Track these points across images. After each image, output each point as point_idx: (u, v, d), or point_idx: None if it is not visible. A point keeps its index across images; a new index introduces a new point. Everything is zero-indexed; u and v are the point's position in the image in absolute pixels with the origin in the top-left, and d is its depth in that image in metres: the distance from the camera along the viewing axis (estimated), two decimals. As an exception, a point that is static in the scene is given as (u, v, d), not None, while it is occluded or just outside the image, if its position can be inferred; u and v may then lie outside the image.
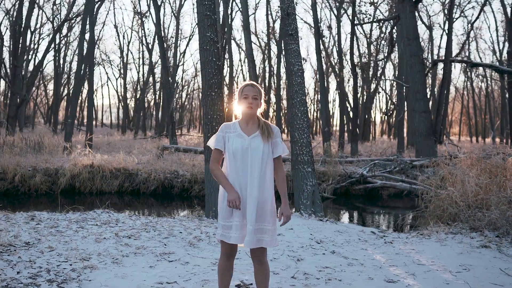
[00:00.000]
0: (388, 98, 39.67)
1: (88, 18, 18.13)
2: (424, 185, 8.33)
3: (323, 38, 28.35)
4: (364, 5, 20.34)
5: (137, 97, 40.19)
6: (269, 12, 37.27)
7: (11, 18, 29.38)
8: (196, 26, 18.92)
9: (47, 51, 26.33)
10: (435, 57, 34.20)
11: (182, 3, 32.09)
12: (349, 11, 28.05)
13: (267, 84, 34.28)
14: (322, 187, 12.46)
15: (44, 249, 4.57)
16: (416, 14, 20.89)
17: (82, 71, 18.41)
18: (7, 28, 33.00)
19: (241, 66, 43.42)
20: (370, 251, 5.31)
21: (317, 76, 38.22)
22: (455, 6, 29.05)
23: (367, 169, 13.08)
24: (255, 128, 3.07)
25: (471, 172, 7.12)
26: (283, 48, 8.99)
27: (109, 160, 12.68)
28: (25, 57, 33.34)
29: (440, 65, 32.64)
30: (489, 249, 5.25)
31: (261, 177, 2.97)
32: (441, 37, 35.77)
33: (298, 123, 7.95)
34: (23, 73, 30.68)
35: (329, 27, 29.06)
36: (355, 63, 22.32)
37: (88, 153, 12.75)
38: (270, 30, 32.82)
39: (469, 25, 25.71)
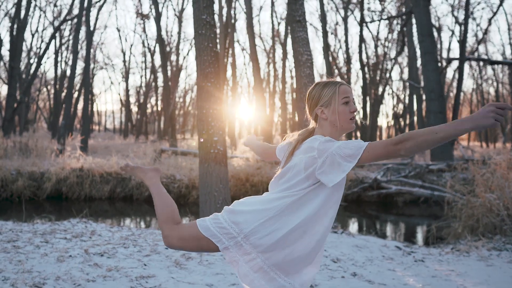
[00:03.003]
0: (397, 100, 38.63)
1: (84, 15, 17.27)
2: (451, 192, 7.30)
3: (330, 35, 27.49)
4: (374, 2, 19.35)
5: (140, 101, 39.36)
6: (273, 14, 36.50)
7: (10, 19, 28.61)
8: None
9: (46, 50, 25.48)
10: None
11: (185, 6, 31.30)
12: (356, 13, 27.27)
13: (271, 88, 33.28)
14: (332, 193, 11.43)
15: (-12, 272, 3.59)
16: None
17: (78, 73, 17.53)
18: (7, 30, 32.34)
19: (245, 69, 42.49)
20: (399, 273, 4.28)
21: (324, 78, 37.21)
22: (464, 8, 28.05)
23: (381, 173, 12.05)
24: None
25: (509, 175, 6.09)
26: (290, 36, 7.98)
27: (101, 163, 11.70)
28: (27, 61, 32.66)
29: (449, 70, 31.62)
30: (550, 271, 4.22)
31: None
32: (450, 40, 34.70)
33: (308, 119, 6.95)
34: (24, 76, 29.91)
35: (336, 24, 28.18)
36: (364, 63, 21.34)
37: (78, 156, 11.79)
38: (274, 33, 31.93)
39: (487, 20, 24.65)
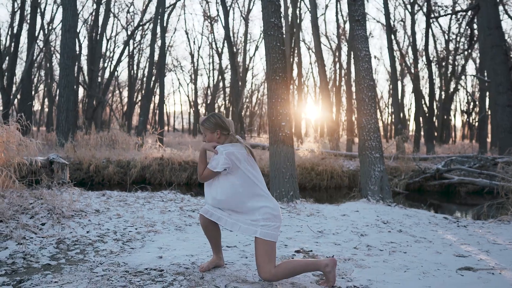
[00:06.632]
0: (469, 97, 37.30)
1: (159, 21, 18.93)
2: (504, 175, 7.71)
3: (396, 33, 27.41)
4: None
5: (208, 102, 41.26)
6: (339, 12, 36.76)
7: (88, 27, 31.36)
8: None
9: (121, 55, 27.70)
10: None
11: (251, 7, 32.49)
12: (425, 8, 26.97)
13: (338, 87, 33.45)
14: (394, 182, 11.96)
15: (112, 216, 4.77)
16: (500, 4, 19.47)
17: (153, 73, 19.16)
18: (85, 37, 35.27)
19: (311, 68, 43.07)
20: (440, 232, 4.98)
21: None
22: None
23: (442, 163, 12.37)
24: None
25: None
26: (350, 34, 8.74)
27: (178, 154, 13.08)
28: (102, 64, 35.55)
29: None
30: None
31: None
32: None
33: (366, 109, 7.71)
34: (99, 79, 32.68)
35: (401, 20, 28.08)
36: (431, 59, 21.32)
37: (158, 147, 13.24)
38: (340, 31, 32.21)
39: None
